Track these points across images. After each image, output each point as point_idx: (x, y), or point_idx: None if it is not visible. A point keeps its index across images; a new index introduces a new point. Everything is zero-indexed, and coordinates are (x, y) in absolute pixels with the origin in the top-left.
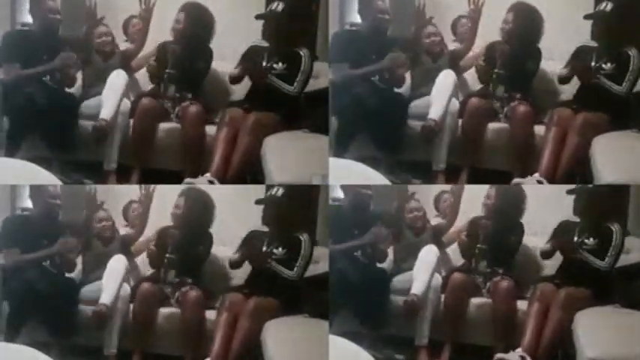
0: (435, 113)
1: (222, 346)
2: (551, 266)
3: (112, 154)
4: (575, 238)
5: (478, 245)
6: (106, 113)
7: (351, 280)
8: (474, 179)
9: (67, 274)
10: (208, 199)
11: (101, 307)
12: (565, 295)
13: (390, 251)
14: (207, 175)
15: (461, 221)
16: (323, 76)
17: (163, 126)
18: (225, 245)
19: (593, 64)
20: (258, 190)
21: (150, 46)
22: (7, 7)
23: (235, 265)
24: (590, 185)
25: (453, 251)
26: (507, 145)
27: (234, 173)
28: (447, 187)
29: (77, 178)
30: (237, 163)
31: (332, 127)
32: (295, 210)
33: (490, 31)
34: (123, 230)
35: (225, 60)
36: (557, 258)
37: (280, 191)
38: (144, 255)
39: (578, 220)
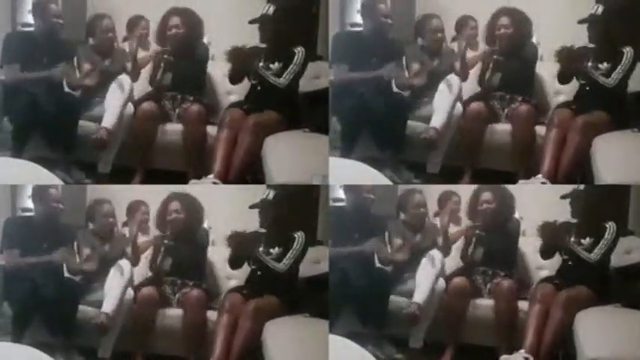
0: (437, 121)
1: (224, 346)
2: (551, 267)
3: (108, 157)
4: (572, 239)
5: (479, 246)
6: (108, 120)
7: (351, 279)
8: (474, 180)
9: (67, 275)
10: (197, 201)
11: (102, 319)
12: (565, 295)
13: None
14: (210, 176)
15: (461, 222)
16: (323, 76)
17: (165, 128)
18: (225, 245)
19: (589, 64)
20: (258, 190)
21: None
22: (8, 8)
23: (234, 264)
24: (582, 188)
25: (454, 252)
26: (509, 146)
27: (235, 174)
28: (448, 187)
29: (79, 178)
30: (237, 163)
31: (332, 127)
32: (292, 210)
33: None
34: (124, 230)
35: (224, 61)
36: (558, 259)
37: (272, 194)
38: (144, 256)
39: (575, 221)
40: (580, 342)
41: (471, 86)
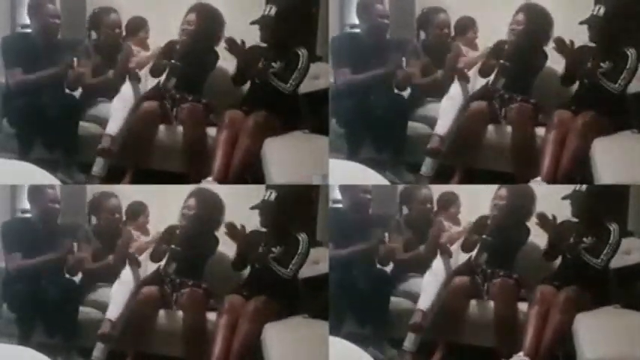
0: (441, 128)
1: (223, 347)
2: (551, 268)
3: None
4: (573, 239)
5: (480, 246)
6: (112, 128)
7: (351, 280)
8: (474, 180)
9: (68, 276)
10: (218, 200)
11: (105, 327)
12: (565, 296)
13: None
14: (209, 178)
15: (461, 222)
16: (323, 76)
17: (165, 128)
18: (225, 246)
19: (590, 64)
20: (259, 190)
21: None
22: (7, 9)
23: (238, 266)
24: (584, 189)
25: (455, 252)
26: (508, 147)
27: (234, 174)
28: (448, 187)
29: (79, 180)
30: (237, 164)
31: (332, 129)
32: (293, 211)
33: (494, 32)
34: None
35: (225, 60)
36: (558, 259)
37: (273, 195)
38: (146, 255)
39: (577, 220)
40: (580, 343)
41: (471, 86)
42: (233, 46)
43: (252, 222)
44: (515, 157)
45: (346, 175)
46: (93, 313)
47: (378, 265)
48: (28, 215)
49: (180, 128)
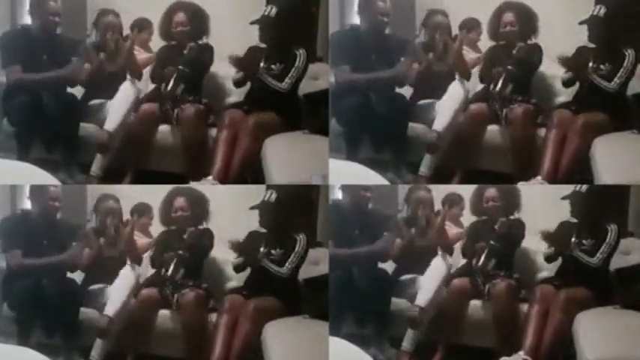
0: (439, 124)
1: (223, 348)
2: (551, 268)
3: (102, 160)
4: (573, 239)
5: (479, 246)
6: (110, 124)
7: (351, 280)
8: (475, 181)
9: (69, 275)
10: (201, 195)
11: (103, 323)
12: (565, 296)
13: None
14: (209, 178)
15: (461, 223)
16: (323, 77)
17: (165, 128)
18: (225, 246)
19: (590, 64)
20: (259, 191)
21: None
22: (7, 7)
23: (239, 268)
24: (584, 189)
25: (455, 253)
26: (508, 147)
27: (234, 175)
28: (448, 188)
29: (80, 180)
30: (237, 164)
31: (332, 129)
32: (292, 211)
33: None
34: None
35: (225, 61)
36: (558, 260)
37: (274, 196)
38: (146, 255)
39: (576, 221)
40: (580, 343)
41: (471, 86)
42: (237, 61)
43: (252, 222)
44: (515, 158)
45: (346, 175)
46: (93, 313)
47: (379, 265)
48: (28, 208)
49: (180, 129)
